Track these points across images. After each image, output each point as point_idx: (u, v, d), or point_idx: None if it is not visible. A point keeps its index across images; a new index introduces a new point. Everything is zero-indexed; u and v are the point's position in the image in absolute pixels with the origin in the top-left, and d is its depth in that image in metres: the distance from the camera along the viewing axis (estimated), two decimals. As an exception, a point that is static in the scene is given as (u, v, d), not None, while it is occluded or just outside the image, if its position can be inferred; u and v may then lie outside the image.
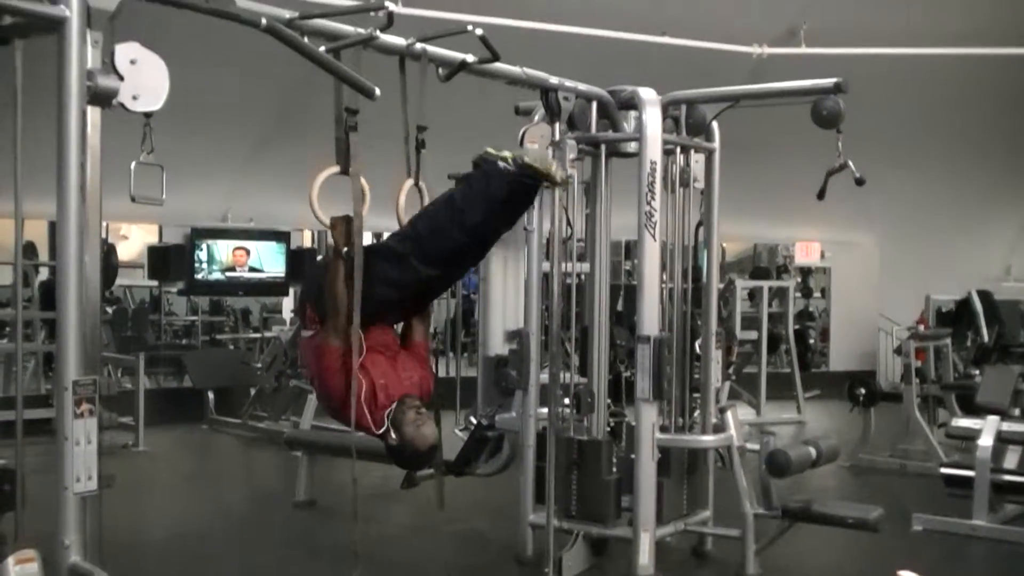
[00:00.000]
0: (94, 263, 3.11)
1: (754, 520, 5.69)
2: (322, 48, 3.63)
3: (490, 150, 3.88)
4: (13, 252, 4.13)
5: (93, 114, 3.04)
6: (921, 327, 11.72)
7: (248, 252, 12.46)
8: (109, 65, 3.01)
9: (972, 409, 8.63)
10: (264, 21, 3.22)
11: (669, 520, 5.67)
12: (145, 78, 3.05)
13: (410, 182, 4.12)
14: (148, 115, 3.15)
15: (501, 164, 3.84)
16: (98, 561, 3.08)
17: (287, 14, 3.64)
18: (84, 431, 3.01)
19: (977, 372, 10.49)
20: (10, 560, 2.97)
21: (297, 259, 12.95)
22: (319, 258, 12.91)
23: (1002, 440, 7.04)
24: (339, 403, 3.82)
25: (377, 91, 3.50)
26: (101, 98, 3.01)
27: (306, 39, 3.56)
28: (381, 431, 3.86)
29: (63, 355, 3.02)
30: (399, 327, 4.16)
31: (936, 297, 13.62)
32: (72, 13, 2.93)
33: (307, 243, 14.58)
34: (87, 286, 3.06)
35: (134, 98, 3.05)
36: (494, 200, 3.88)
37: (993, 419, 7.07)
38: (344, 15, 3.95)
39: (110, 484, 3.16)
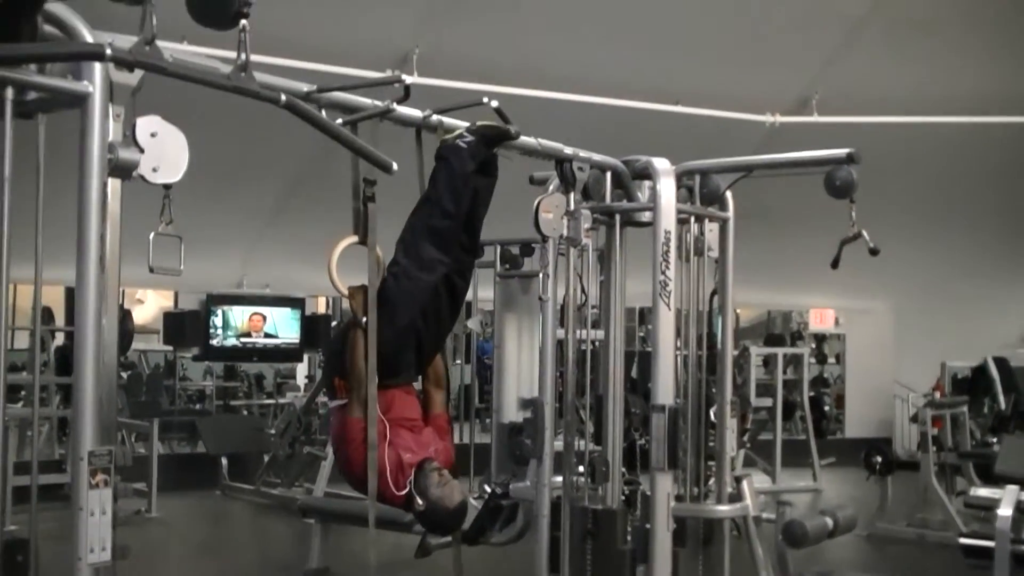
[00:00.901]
0: (111, 330, 3.12)
1: (771, 591, 5.63)
2: (339, 120, 3.68)
3: (446, 136, 3.94)
4: (31, 317, 4.14)
5: (113, 185, 3.07)
6: (937, 394, 11.66)
7: (264, 318, 12.51)
8: (130, 138, 3.04)
9: (991, 478, 8.56)
10: (284, 98, 3.26)
11: (685, 591, 5.61)
12: (165, 150, 3.09)
13: None
14: (167, 186, 3.18)
15: (458, 142, 3.94)
16: (111, 633, 3.06)
17: (305, 88, 3.69)
18: (99, 501, 3.00)
19: (995, 440, 10.44)
20: (23, 633, 2.96)
21: (312, 325, 12.99)
22: (333, 325, 12.94)
23: (1022, 510, 6.97)
24: (363, 475, 3.82)
25: (395, 165, 3.53)
26: (122, 170, 3.05)
27: (323, 112, 3.60)
28: (405, 499, 3.87)
29: (79, 425, 3.02)
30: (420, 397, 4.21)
31: (952, 364, 13.58)
32: (95, 89, 2.98)
33: (322, 309, 14.63)
34: (104, 353, 3.07)
35: (154, 170, 3.08)
36: (464, 176, 4.01)
37: (1013, 488, 6.99)
38: (361, 88, 4.00)
39: (124, 555, 3.15)
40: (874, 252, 5.41)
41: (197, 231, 3.63)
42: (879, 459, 9.47)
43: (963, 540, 7.23)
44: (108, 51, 2.78)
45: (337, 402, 4.04)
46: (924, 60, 9.62)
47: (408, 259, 3.96)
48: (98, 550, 2.99)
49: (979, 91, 9.99)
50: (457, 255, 4.14)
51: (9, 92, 2.94)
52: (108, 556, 3.01)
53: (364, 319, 3.81)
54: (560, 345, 5.72)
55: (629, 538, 5.54)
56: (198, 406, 15.20)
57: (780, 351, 13.03)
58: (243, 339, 12.51)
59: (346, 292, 3.89)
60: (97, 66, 2.97)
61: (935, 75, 9.76)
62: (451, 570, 6.51)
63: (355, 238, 3.86)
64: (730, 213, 5.90)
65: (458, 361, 9.77)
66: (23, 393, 11.35)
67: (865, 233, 5.37)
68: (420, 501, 3.88)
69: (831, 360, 17.00)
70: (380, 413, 3.85)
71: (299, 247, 10.28)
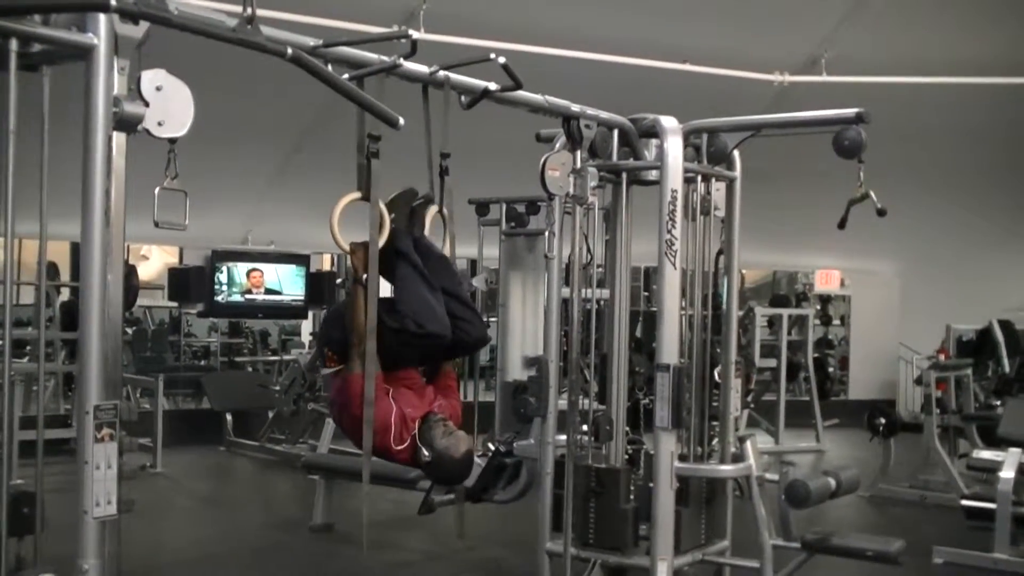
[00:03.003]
0: (117, 285, 3.12)
1: (773, 551, 5.65)
2: (345, 76, 3.65)
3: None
4: (36, 272, 4.15)
5: (119, 139, 3.06)
6: (942, 357, 11.66)
7: (263, 274, 12.52)
8: (135, 92, 3.02)
9: (993, 441, 8.58)
10: (290, 51, 3.24)
11: (687, 550, 5.63)
12: (170, 104, 3.07)
13: (434, 209, 4.16)
14: (173, 141, 3.16)
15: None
16: (116, 585, 3.08)
17: (311, 42, 3.66)
18: (104, 455, 3.01)
19: (998, 403, 10.45)
20: (30, 584, 2.98)
21: (316, 282, 12.99)
22: (337, 301, 12.94)
23: (1024, 473, 6.99)
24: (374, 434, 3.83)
25: (401, 120, 3.51)
26: (127, 124, 3.03)
27: (330, 67, 3.58)
28: (410, 452, 3.88)
29: (85, 379, 3.03)
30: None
31: (957, 327, 13.57)
32: (100, 41, 2.95)
33: (327, 267, 14.63)
34: (109, 309, 3.07)
35: (159, 124, 3.06)
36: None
37: (1015, 451, 7.01)
38: (368, 43, 3.97)
39: (129, 509, 3.16)
40: (881, 213, 5.38)
41: (202, 187, 3.61)
42: (882, 421, 9.47)
43: (965, 502, 7.27)
44: (113, 2, 2.76)
45: (327, 370, 4.06)
46: (934, 21, 9.55)
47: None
48: (104, 504, 3.00)
49: (989, 53, 9.92)
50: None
51: (13, 44, 2.92)
52: (114, 510, 3.03)
53: (364, 276, 3.80)
54: (565, 304, 5.72)
55: (632, 497, 5.57)
56: (203, 362, 15.22)
57: (785, 312, 13.03)
58: (248, 296, 12.52)
59: (347, 248, 3.88)
60: (102, 18, 2.94)
61: (945, 36, 9.69)
62: (454, 527, 6.55)
63: (358, 195, 3.85)
64: (737, 173, 5.87)
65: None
66: (28, 348, 11.38)
67: (873, 194, 5.35)
68: (426, 452, 3.90)
69: (836, 322, 16.99)
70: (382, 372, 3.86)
71: (304, 204, 10.26)
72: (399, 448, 3.91)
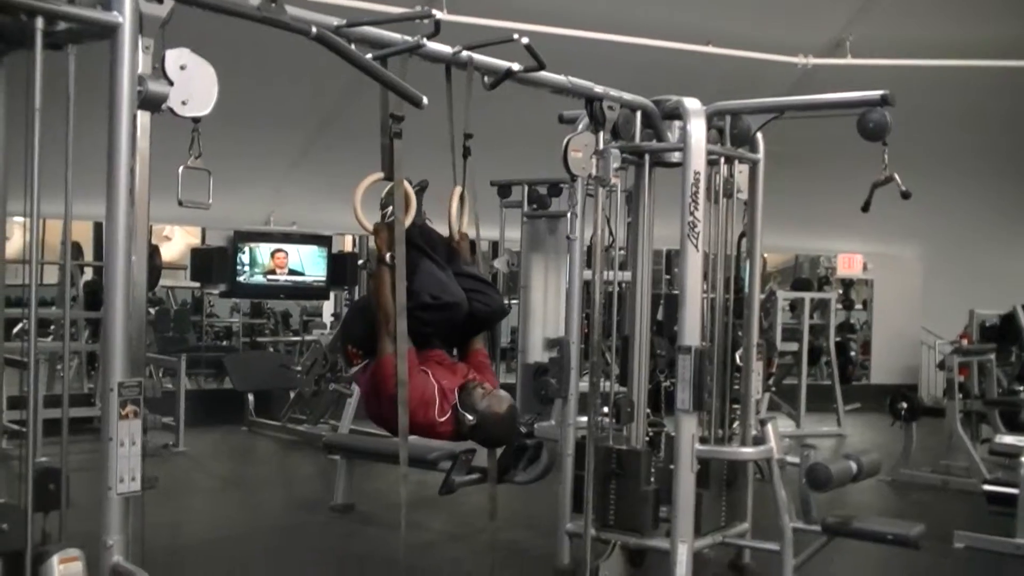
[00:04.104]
0: (141, 265, 3.14)
1: (793, 534, 5.65)
2: (369, 55, 3.65)
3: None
4: (60, 252, 4.17)
5: (143, 118, 3.07)
6: (965, 342, 11.60)
7: (287, 255, 12.54)
8: (159, 71, 3.03)
9: (1016, 426, 8.56)
10: (315, 30, 3.25)
11: (707, 532, 5.64)
12: (194, 84, 3.08)
13: (459, 189, 4.16)
14: (196, 120, 3.17)
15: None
16: (140, 562, 3.10)
17: (335, 22, 3.67)
18: (128, 432, 3.03)
19: (1021, 388, 10.39)
20: (55, 559, 3.00)
21: (338, 263, 13.02)
22: (358, 290, 12.98)
23: (1047, 458, 6.95)
24: (410, 406, 3.85)
25: (424, 100, 3.51)
26: (151, 103, 3.04)
27: (353, 46, 3.58)
28: (453, 424, 3.91)
29: (109, 357, 3.05)
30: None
31: (980, 311, 13.49)
32: (125, 19, 2.97)
33: (348, 248, 14.65)
34: (134, 288, 3.09)
35: (183, 103, 3.08)
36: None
37: (1038, 436, 6.98)
38: (391, 23, 3.97)
39: (153, 485, 3.18)
40: (906, 195, 5.36)
41: (225, 168, 3.62)
42: (904, 405, 9.42)
43: (987, 487, 7.24)
44: (138, -20, 2.77)
45: (355, 368, 4.08)
46: (961, 3, 9.48)
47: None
48: (128, 480, 3.03)
49: (1014, 34, 9.84)
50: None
51: (39, 22, 2.93)
52: (138, 486, 3.05)
53: (388, 256, 3.82)
54: (587, 286, 5.72)
55: (653, 479, 5.57)
56: (225, 343, 15.29)
57: (807, 296, 12.97)
58: (270, 276, 12.55)
59: (371, 228, 3.89)
60: (127, -4, 2.95)
61: (970, 18, 9.62)
62: (474, 507, 6.57)
63: (381, 175, 3.85)
64: (760, 155, 5.85)
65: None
66: (52, 328, 11.45)
67: (897, 176, 5.32)
68: (469, 417, 3.92)
69: (858, 306, 16.92)
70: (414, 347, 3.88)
71: (326, 185, 10.29)
72: (442, 420, 3.93)
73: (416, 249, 4.01)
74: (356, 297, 13.00)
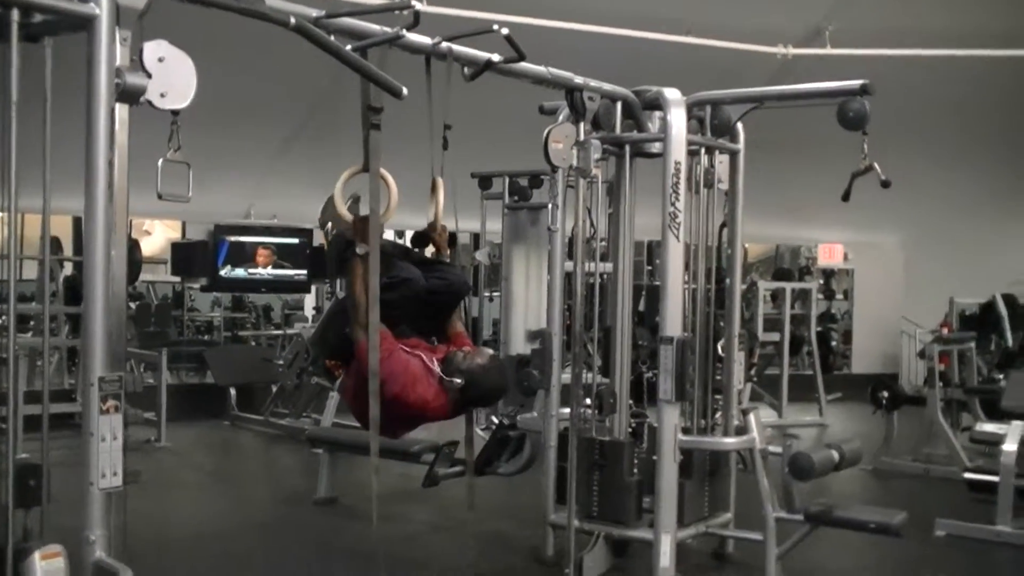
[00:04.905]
0: (120, 260, 3.12)
1: (776, 523, 5.67)
2: (349, 47, 3.64)
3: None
4: (39, 247, 4.15)
5: (121, 111, 3.05)
6: (945, 330, 11.65)
7: (271, 249, 12.51)
8: (137, 63, 3.01)
9: (996, 414, 8.58)
10: (293, 20, 3.23)
11: (690, 522, 5.65)
12: (173, 76, 3.06)
13: (439, 181, 4.16)
14: (175, 112, 3.15)
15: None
16: (122, 557, 3.09)
17: (314, 13, 3.65)
18: (110, 427, 3.02)
19: (1001, 376, 10.44)
20: (36, 555, 2.99)
21: (319, 257, 12.99)
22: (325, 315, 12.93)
23: (1027, 445, 6.99)
24: (399, 386, 3.86)
25: (404, 90, 3.50)
26: (129, 96, 3.02)
27: (333, 38, 3.57)
28: (445, 396, 3.92)
29: (89, 351, 3.03)
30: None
31: (960, 300, 13.56)
32: (102, 11, 2.94)
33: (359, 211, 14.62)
34: (113, 283, 3.07)
35: (162, 96, 3.06)
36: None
37: (1018, 424, 7.01)
38: (371, 14, 3.96)
39: (135, 480, 3.17)
40: (885, 184, 5.38)
41: (204, 161, 3.61)
42: (885, 394, 9.46)
43: (968, 475, 7.29)
44: (114, -29, 2.75)
45: (340, 379, 4.08)
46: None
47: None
48: (109, 475, 3.01)
49: (992, 24, 9.87)
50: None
51: (15, 14, 2.91)
52: (119, 481, 3.04)
53: (361, 247, 3.82)
54: (568, 277, 5.72)
55: (636, 470, 5.58)
56: (206, 337, 15.25)
57: (788, 286, 13.01)
58: (251, 270, 12.51)
59: (349, 219, 3.90)
60: (103, -13, 2.93)
61: (949, 8, 9.64)
62: (458, 500, 6.57)
63: (359, 167, 3.85)
64: (741, 145, 5.86)
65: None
66: (32, 323, 11.39)
67: (877, 166, 5.33)
68: (456, 380, 3.93)
69: (839, 296, 16.99)
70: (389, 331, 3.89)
71: (307, 177, 10.24)
72: (433, 396, 3.92)
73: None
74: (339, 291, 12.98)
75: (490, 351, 4.13)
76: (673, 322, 5.33)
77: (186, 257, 12.76)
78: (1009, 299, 12.94)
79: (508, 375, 4.27)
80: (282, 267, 12.68)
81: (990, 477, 6.89)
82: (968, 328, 12.46)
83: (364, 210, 3.87)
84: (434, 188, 4.15)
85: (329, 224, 4.05)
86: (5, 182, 3.01)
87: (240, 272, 12.46)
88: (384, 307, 3.82)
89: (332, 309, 4.18)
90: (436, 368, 3.97)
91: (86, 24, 2.94)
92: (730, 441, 5.87)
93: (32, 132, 3.04)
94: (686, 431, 5.60)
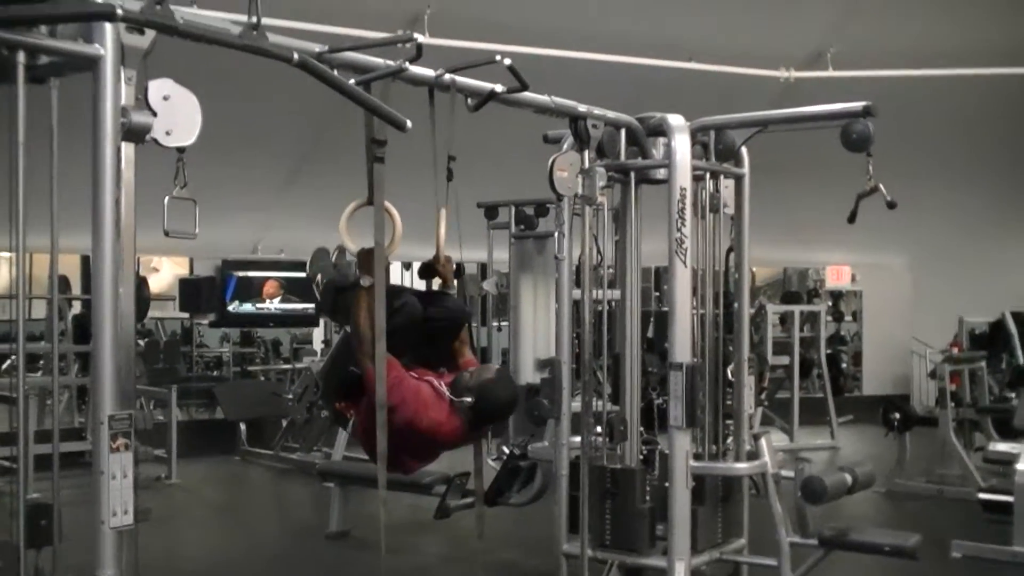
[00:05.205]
0: (128, 297, 3.12)
1: (790, 548, 5.63)
2: (352, 81, 3.65)
3: None
4: (47, 286, 4.16)
5: (127, 150, 3.06)
6: (955, 350, 11.61)
7: (279, 283, 12.53)
8: (142, 101, 3.03)
9: (1009, 433, 8.55)
10: (296, 56, 3.25)
11: (704, 549, 5.61)
12: (178, 114, 3.07)
13: (444, 212, 4.16)
14: (181, 150, 3.16)
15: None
16: (135, 595, 3.08)
17: (317, 48, 3.67)
18: (120, 465, 3.01)
19: (1013, 395, 10.41)
20: (49, 595, 2.98)
21: (327, 290, 12.98)
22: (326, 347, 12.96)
23: (1041, 464, 6.95)
24: (410, 412, 3.86)
25: (408, 123, 3.51)
26: (135, 134, 3.03)
27: (336, 72, 3.58)
28: (457, 417, 3.91)
29: (99, 390, 3.03)
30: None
31: (969, 319, 13.52)
32: (107, 51, 2.96)
33: (346, 259, 14.64)
34: (122, 320, 3.07)
35: (167, 134, 3.07)
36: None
37: (1031, 442, 6.98)
38: (373, 47, 3.97)
39: (146, 518, 3.17)
40: (891, 205, 5.37)
41: (211, 197, 3.61)
42: (897, 415, 9.43)
43: (982, 495, 7.23)
44: (119, 11, 2.77)
45: (352, 418, 4.08)
46: (940, 12, 9.53)
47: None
48: (120, 513, 3.00)
49: (996, 43, 9.89)
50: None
51: (21, 56, 2.92)
52: (131, 519, 3.03)
53: (366, 279, 3.83)
54: (576, 305, 5.71)
55: (648, 497, 5.55)
56: (215, 372, 15.25)
57: (797, 308, 13.00)
58: (259, 304, 12.53)
59: (354, 250, 3.91)
60: (108, 28, 2.95)
61: (951, 28, 9.67)
62: (470, 531, 6.54)
63: (364, 200, 3.87)
64: (745, 169, 5.86)
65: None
66: (41, 362, 11.41)
67: (882, 187, 5.33)
68: (467, 399, 3.92)
69: (848, 317, 16.96)
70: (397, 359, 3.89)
71: (313, 212, 10.23)
72: (444, 418, 3.92)
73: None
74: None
75: (496, 366, 4.13)
76: (682, 348, 5.31)
77: (194, 293, 12.79)
78: (1019, 317, 12.89)
79: (517, 388, 4.27)
80: (290, 301, 12.69)
81: (1005, 497, 6.85)
82: (978, 347, 12.42)
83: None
84: (438, 219, 4.16)
85: (319, 275, 4.08)
86: (13, 222, 3.02)
87: (248, 307, 12.48)
88: (387, 337, 3.83)
89: (335, 351, 4.17)
90: (446, 391, 3.96)
91: (91, 65, 2.96)
92: (742, 466, 5.84)
93: (39, 172, 3.06)
94: (697, 457, 5.57)
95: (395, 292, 4.09)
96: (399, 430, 3.81)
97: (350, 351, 4.01)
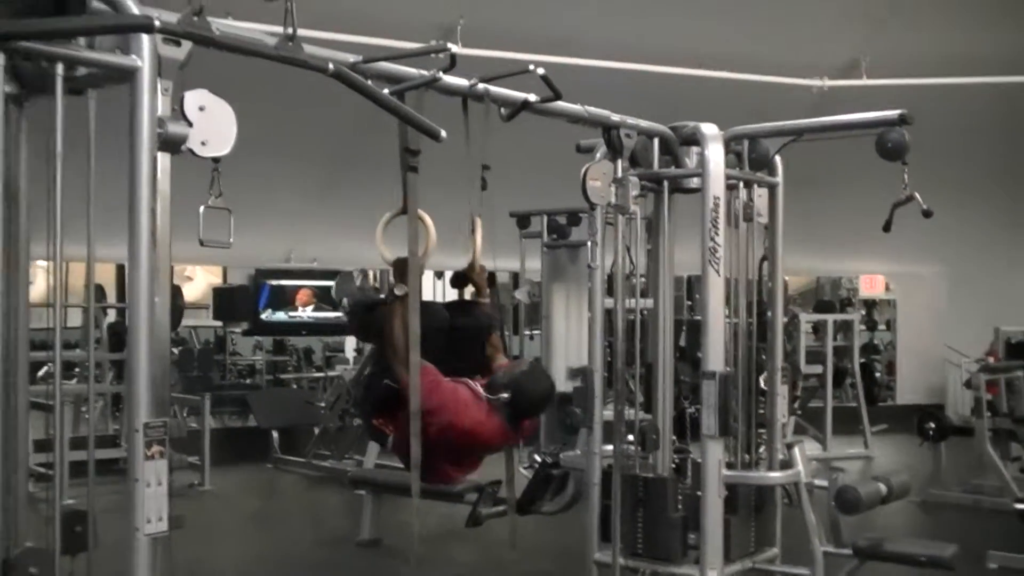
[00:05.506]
0: (164, 306, 3.14)
1: (824, 558, 5.60)
2: (386, 91, 3.67)
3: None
4: (83, 295, 4.21)
5: (163, 160, 3.09)
6: (991, 359, 11.52)
7: (312, 292, 12.58)
8: (179, 112, 3.05)
9: (1046, 443, 8.47)
10: (331, 66, 3.27)
11: (736, 558, 5.58)
12: (213, 124, 3.10)
13: (478, 221, 4.18)
14: (216, 160, 3.19)
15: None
16: (169, 603, 3.10)
17: (352, 58, 3.69)
18: (155, 473, 3.03)
19: (1050, 405, 10.29)
20: (84, 602, 3.00)
21: (354, 311, 13.04)
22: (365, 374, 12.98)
23: (1078, 475, 6.89)
24: (450, 414, 3.89)
25: (443, 133, 3.53)
26: (171, 145, 3.06)
27: (370, 82, 3.60)
28: (495, 419, 3.93)
29: (134, 398, 3.05)
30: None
31: (1006, 328, 13.41)
32: (144, 63, 2.99)
33: (370, 283, 14.69)
34: (157, 329, 3.09)
35: (203, 144, 3.10)
36: None
37: (1069, 453, 6.92)
38: (407, 57, 3.99)
39: (180, 525, 3.18)
40: (927, 214, 5.33)
41: (244, 206, 3.64)
42: (932, 425, 9.37)
43: (1018, 506, 7.17)
44: (157, 23, 2.79)
45: (391, 435, 4.09)
46: (974, 19, 9.46)
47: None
48: (155, 520, 3.02)
49: (1032, 49, 9.81)
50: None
51: (59, 68, 2.95)
52: (165, 526, 3.05)
53: (400, 288, 3.85)
54: (609, 314, 5.70)
55: (680, 506, 5.53)
56: (248, 380, 15.33)
57: (830, 317, 12.93)
58: (291, 313, 12.59)
59: (390, 260, 3.93)
60: (145, 40, 2.97)
61: (986, 34, 9.59)
62: (502, 539, 6.54)
63: (399, 210, 3.89)
64: (779, 178, 5.83)
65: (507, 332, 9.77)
66: (77, 370, 11.50)
67: (918, 196, 5.30)
68: (503, 395, 3.97)
69: (881, 326, 16.87)
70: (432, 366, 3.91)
71: (346, 220, 10.29)
72: (484, 417, 3.94)
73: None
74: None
75: (529, 360, 4.15)
76: (715, 357, 5.30)
77: (227, 302, 12.88)
78: (1056, 326, 12.80)
79: (551, 379, 4.30)
80: (323, 309, 12.74)
81: (1042, 508, 6.79)
82: (1015, 356, 12.30)
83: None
84: (472, 228, 4.17)
85: (345, 299, 4.11)
86: (50, 231, 3.04)
87: (281, 315, 12.54)
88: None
89: (367, 367, 4.21)
90: (482, 392, 3.99)
91: (129, 76, 2.99)
92: (775, 475, 5.81)
93: (76, 182, 3.09)
94: (730, 466, 5.55)
95: (422, 305, 4.10)
96: (440, 435, 3.83)
97: (383, 366, 4.02)
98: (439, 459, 3.89)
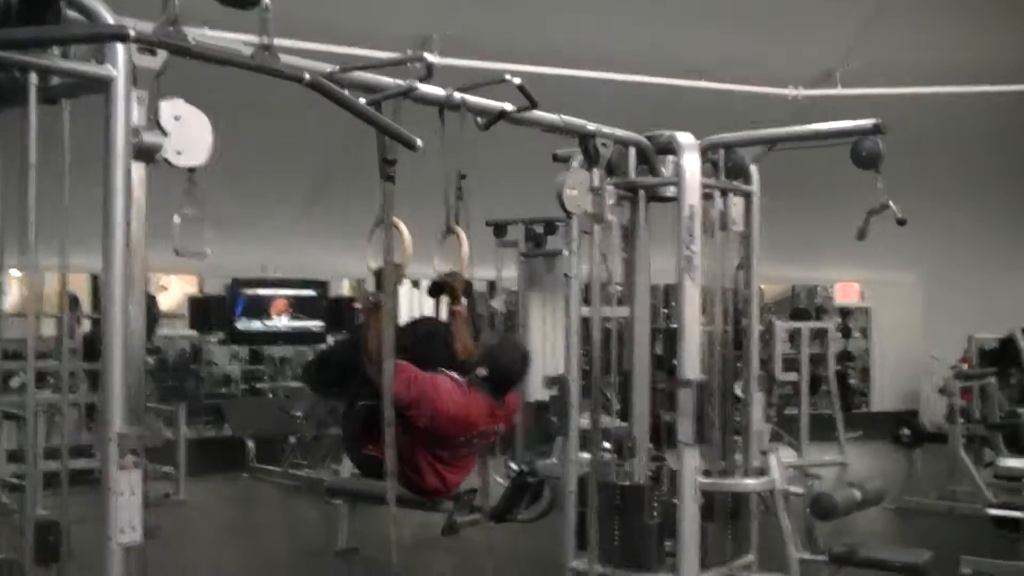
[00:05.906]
0: (138, 315, 3.13)
1: (800, 564, 5.62)
2: (362, 100, 3.67)
3: None
4: (56, 304, 4.19)
5: (138, 170, 3.08)
6: (965, 366, 11.59)
7: (287, 302, 12.56)
8: (154, 122, 3.05)
9: (1019, 448, 8.53)
10: (307, 76, 3.26)
11: (713, 565, 5.60)
12: (189, 134, 3.09)
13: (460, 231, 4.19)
14: (192, 170, 3.18)
15: None
16: (143, 613, 3.08)
17: (328, 68, 3.68)
18: (128, 482, 3.02)
19: (1023, 410, 10.37)
20: (57, 614, 2.98)
21: (336, 308, 13.02)
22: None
23: (1051, 480, 6.94)
24: (436, 400, 4.05)
25: (419, 142, 3.53)
26: (146, 154, 3.05)
27: (347, 92, 3.60)
28: (481, 403, 3.98)
29: (108, 407, 3.04)
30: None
31: (979, 336, 13.50)
32: (119, 73, 2.97)
33: (346, 292, 14.66)
34: (131, 338, 3.08)
35: (178, 153, 3.09)
36: None
37: (1041, 459, 6.97)
38: (383, 67, 3.99)
39: (155, 535, 3.16)
40: (901, 222, 5.37)
41: (220, 216, 3.62)
42: (906, 431, 9.42)
43: (992, 511, 7.21)
44: (131, 32, 2.78)
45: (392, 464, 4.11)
46: (950, 30, 9.52)
47: None
48: (128, 530, 3.01)
49: (1007, 61, 9.88)
50: None
51: (33, 77, 2.94)
52: (139, 536, 3.03)
53: (373, 296, 3.88)
54: (585, 323, 5.71)
55: (656, 513, 5.54)
56: (224, 390, 15.27)
57: (805, 325, 12.98)
58: (267, 322, 12.55)
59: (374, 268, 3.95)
60: (120, 49, 2.96)
61: (961, 45, 9.65)
62: (478, 547, 6.53)
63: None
64: (755, 187, 5.86)
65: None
66: (51, 380, 11.42)
67: (892, 204, 5.33)
68: (481, 371, 4.15)
69: (856, 334, 16.95)
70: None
71: (322, 230, 10.30)
72: (467, 399, 4.10)
73: None
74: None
75: (499, 334, 4.23)
76: (691, 365, 5.32)
77: (203, 311, 12.82)
78: (1028, 333, 12.87)
79: (524, 347, 4.36)
80: (299, 319, 12.71)
81: (1015, 513, 6.83)
82: (988, 363, 12.39)
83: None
84: (455, 237, 4.19)
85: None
86: (24, 242, 3.03)
87: (257, 324, 12.49)
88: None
89: (352, 406, 4.25)
90: (461, 378, 4.05)
91: (103, 86, 2.98)
92: (751, 483, 5.83)
93: (50, 191, 3.07)
94: (706, 473, 5.57)
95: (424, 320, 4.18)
96: (429, 426, 3.89)
97: (369, 391, 4.03)
98: (433, 460, 3.92)
